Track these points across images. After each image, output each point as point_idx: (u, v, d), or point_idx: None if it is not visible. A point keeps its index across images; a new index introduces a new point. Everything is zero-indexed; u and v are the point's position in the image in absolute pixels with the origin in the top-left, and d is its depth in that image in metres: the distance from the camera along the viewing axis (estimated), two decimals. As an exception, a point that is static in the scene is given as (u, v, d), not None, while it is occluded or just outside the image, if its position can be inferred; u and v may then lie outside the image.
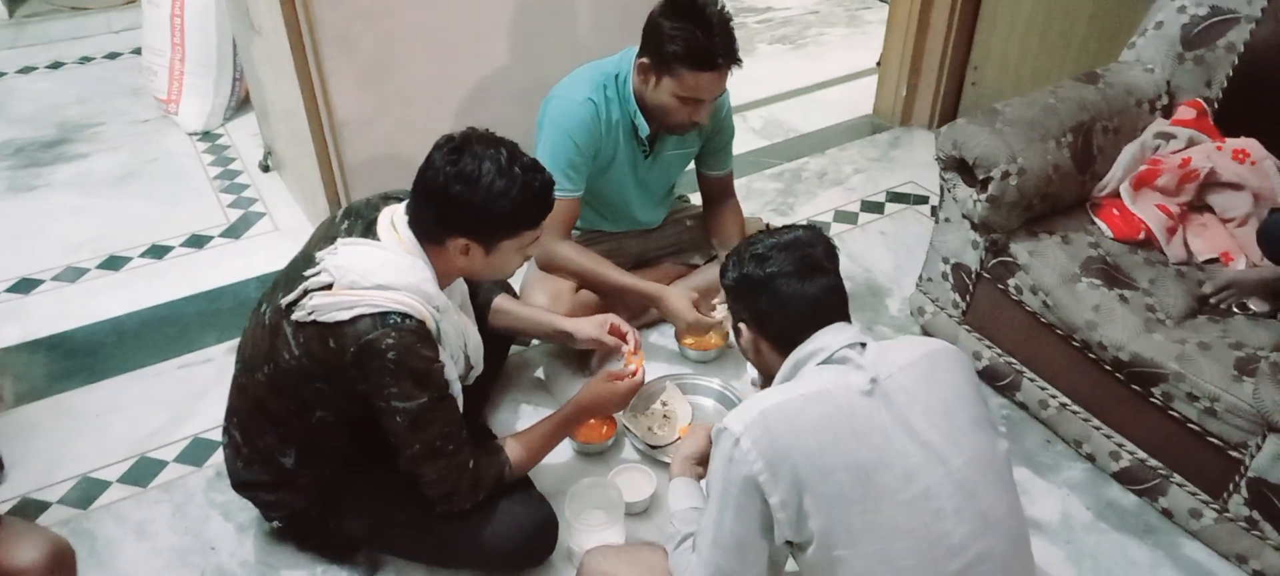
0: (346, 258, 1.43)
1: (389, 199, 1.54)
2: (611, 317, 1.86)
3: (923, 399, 1.18)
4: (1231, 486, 1.70)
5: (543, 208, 1.46)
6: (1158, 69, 2.12)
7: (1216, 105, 2.03)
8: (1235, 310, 1.81)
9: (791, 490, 1.11)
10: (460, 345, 1.57)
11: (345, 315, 1.38)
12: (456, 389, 1.52)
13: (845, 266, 2.59)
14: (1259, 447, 1.62)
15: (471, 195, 1.38)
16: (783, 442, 1.11)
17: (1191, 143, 1.99)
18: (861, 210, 2.90)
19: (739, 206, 2.25)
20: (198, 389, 2.15)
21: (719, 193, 2.23)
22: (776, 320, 1.27)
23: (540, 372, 2.17)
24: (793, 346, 1.25)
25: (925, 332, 2.29)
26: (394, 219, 1.48)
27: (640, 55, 1.88)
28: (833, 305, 1.27)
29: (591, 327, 1.85)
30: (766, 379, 1.34)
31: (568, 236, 2.05)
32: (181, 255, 2.66)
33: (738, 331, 1.34)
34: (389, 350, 1.37)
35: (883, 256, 2.68)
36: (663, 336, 2.26)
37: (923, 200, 2.95)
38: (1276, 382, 1.53)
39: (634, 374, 1.76)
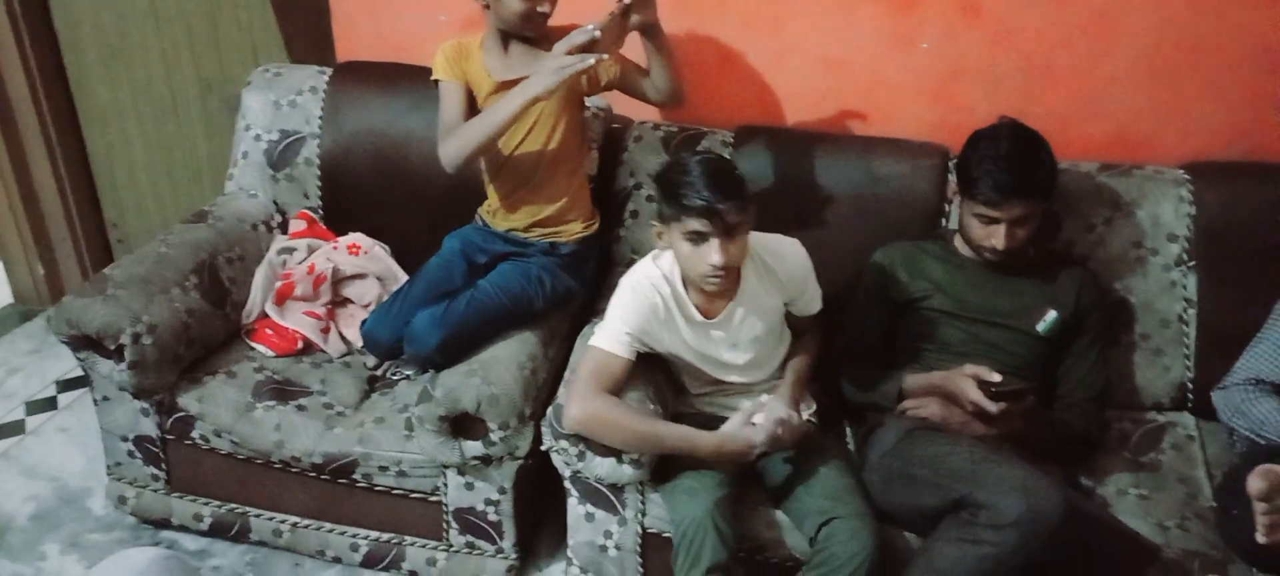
0: None
1: None
2: None
3: None
4: (445, 525, 1.91)
5: None
6: (260, 193, 2.25)
7: (321, 211, 2.25)
8: (394, 377, 2.04)
9: None
10: None
11: None
12: None
13: (25, 487, 2.21)
14: (445, 486, 1.86)
15: None
16: None
17: (311, 249, 2.17)
18: (29, 414, 2.48)
19: None
20: None
21: None
22: None
23: None
24: None
25: (138, 518, 2.07)
26: None
27: None
28: None
29: None
30: None
31: None
32: None
33: None
34: None
35: (71, 455, 2.33)
36: None
37: (102, 377, 2.66)
38: (428, 430, 1.76)
39: None
